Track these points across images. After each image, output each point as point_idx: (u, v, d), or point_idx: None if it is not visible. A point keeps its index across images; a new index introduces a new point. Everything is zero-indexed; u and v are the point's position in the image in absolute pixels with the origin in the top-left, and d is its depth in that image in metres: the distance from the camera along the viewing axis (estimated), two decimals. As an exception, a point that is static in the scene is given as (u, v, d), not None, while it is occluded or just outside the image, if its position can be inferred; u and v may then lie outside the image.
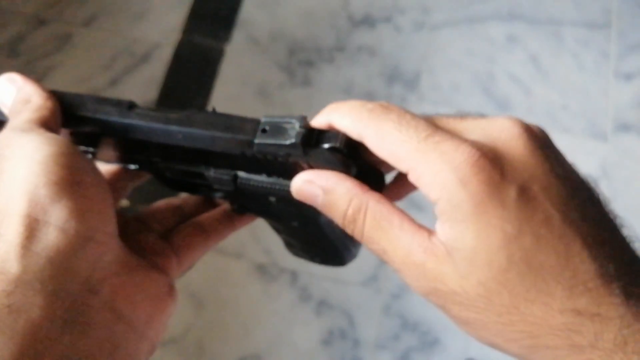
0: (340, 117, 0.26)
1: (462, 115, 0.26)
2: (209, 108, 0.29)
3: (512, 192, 0.22)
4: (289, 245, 0.39)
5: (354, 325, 1.04)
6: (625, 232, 0.23)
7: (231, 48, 1.24)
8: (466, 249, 0.22)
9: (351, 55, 1.24)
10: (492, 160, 0.22)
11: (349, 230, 0.26)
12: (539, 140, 0.24)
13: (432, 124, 0.24)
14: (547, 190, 0.22)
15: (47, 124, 0.27)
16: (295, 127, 0.26)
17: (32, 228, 0.23)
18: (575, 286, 0.21)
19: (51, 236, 0.23)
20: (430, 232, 0.24)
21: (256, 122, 0.27)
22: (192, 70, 1.21)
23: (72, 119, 0.30)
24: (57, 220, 0.24)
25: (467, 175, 0.22)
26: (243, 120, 0.28)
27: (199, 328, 1.03)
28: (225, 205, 0.36)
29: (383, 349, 1.03)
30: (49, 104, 0.28)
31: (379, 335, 1.03)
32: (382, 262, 1.07)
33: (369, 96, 1.20)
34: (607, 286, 0.21)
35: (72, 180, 0.25)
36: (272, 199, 0.30)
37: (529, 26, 1.27)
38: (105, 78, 1.19)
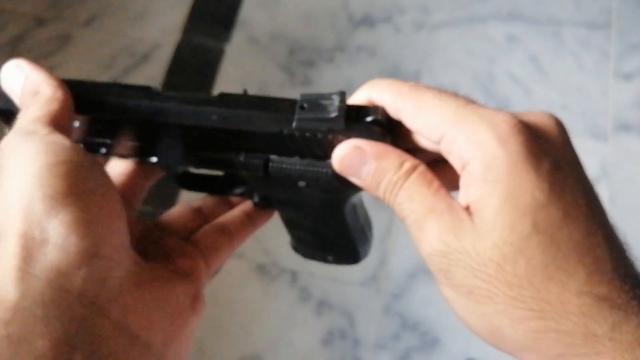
0: (380, 91, 0.26)
1: None
2: (242, 91, 0.29)
3: (546, 163, 0.22)
4: (301, 244, 0.37)
5: (354, 325, 1.04)
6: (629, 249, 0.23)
7: (231, 48, 1.24)
8: (490, 209, 0.21)
9: (351, 55, 1.24)
10: (531, 129, 0.22)
11: (389, 187, 0.25)
12: (568, 133, 0.24)
13: (470, 99, 0.25)
14: (578, 177, 0.22)
15: (57, 119, 0.25)
16: (335, 102, 0.26)
17: (29, 248, 0.21)
18: (596, 272, 0.20)
19: (50, 256, 0.21)
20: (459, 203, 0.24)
21: (292, 101, 0.27)
22: (192, 70, 1.21)
23: (92, 106, 0.28)
24: (55, 238, 0.21)
25: (506, 133, 0.22)
26: (278, 99, 0.27)
27: (198, 328, 1.03)
28: (243, 205, 0.35)
29: (383, 348, 1.03)
30: (59, 94, 0.26)
31: (379, 335, 1.03)
32: (382, 262, 1.06)
33: (369, 96, 1.20)
34: (623, 282, 0.20)
35: (70, 191, 0.22)
36: (302, 183, 0.29)
37: (529, 26, 1.27)
38: (105, 78, 1.18)
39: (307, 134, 0.26)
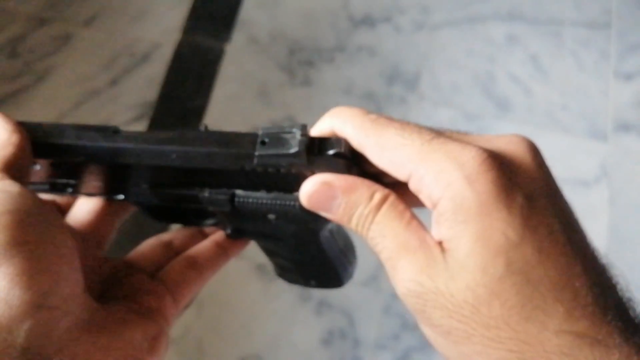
0: (342, 123, 0.25)
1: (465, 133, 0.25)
2: (201, 127, 0.28)
3: (519, 198, 0.21)
4: (284, 270, 0.37)
5: (354, 325, 1.04)
6: (612, 271, 0.22)
7: (231, 48, 1.24)
8: (461, 250, 0.21)
9: (351, 56, 1.24)
10: (500, 163, 0.21)
11: (354, 222, 0.25)
12: (541, 156, 0.23)
13: (436, 131, 0.24)
14: (553, 206, 0.21)
15: (11, 164, 0.25)
16: (296, 135, 0.25)
17: None
18: (575, 308, 0.20)
19: None
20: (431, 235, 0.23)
21: (254, 135, 0.26)
22: (192, 70, 1.22)
23: (52, 149, 0.28)
24: None
25: (474, 172, 0.21)
26: (239, 135, 0.27)
27: (198, 328, 1.03)
28: (216, 235, 0.34)
29: (383, 348, 1.03)
30: (14, 139, 0.25)
31: (379, 335, 1.03)
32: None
33: (369, 96, 1.20)
34: (604, 315, 0.20)
35: (14, 242, 0.21)
36: (272, 216, 0.29)
37: (529, 26, 1.27)
38: (105, 78, 1.19)
39: (270, 169, 0.26)
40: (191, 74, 1.21)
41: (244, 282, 1.06)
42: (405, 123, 0.24)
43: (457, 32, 1.26)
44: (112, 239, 0.32)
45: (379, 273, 1.06)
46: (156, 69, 1.20)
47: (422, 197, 0.23)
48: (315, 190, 0.25)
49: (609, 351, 0.19)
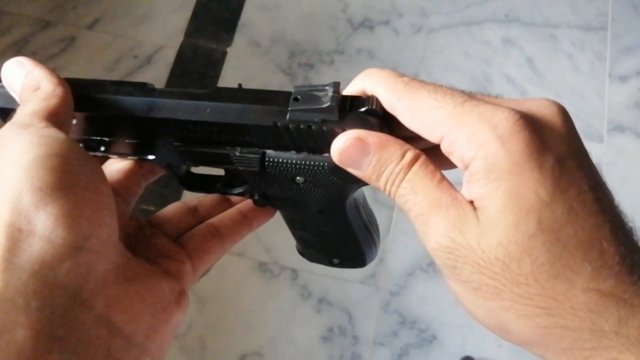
0: (374, 84, 0.25)
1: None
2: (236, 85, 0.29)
3: (550, 159, 0.21)
4: (306, 245, 0.36)
5: (354, 322, 1.05)
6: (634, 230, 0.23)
7: (233, 50, 1.26)
8: (493, 207, 0.21)
9: (350, 58, 1.26)
10: (532, 124, 0.21)
11: (390, 178, 0.25)
12: (572, 121, 0.23)
13: (468, 94, 0.24)
14: (583, 168, 0.22)
15: (55, 114, 0.25)
16: (329, 93, 0.26)
17: (15, 239, 0.21)
18: (602, 267, 0.20)
19: (36, 247, 0.21)
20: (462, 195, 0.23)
21: (287, 93, 0.27)
22: (194, 72, 1.23)
23: (91, 103, 0.28)
24: (42, 230, 0.21)
25: (507, 132, 0.21)
26: (273, 92, 0.27)
27: (201, 325, 1.04)
28: (241, 205, 0.34)
29: (382, 345, 1.04)
30: (59, 91, 0.26)
31: (377, 332, 1.05)
32: (381, 260, 1.07)
33: (368, 98, 1.21)
34: (630, 274, 0.20)
35: (60, 184, 0.22)
36: (300, 179, 0.29)
37: (525, 29, 1.29)
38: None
39: (302, 126, 0.26)
40: (194, 76, 1.23)
41: (245, 280, 1.08)
42: (438, 86, 0.24)
43: (455, 34, 1.28)
44: (136, 199, 0.32)
45: (378, 271, 1.08)
46: (159, 71, 1.22)
47: (454, 158, 0.23)
48: (347, 145, 0.25)
49: (634, 309, 0.20)
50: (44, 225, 0.21)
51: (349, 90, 0.27)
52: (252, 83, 1.23)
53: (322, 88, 0.26)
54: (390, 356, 1.03)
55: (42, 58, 1.22)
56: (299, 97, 0.26)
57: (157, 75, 1.21)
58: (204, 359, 1.03)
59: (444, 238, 0.22)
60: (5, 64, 0.28)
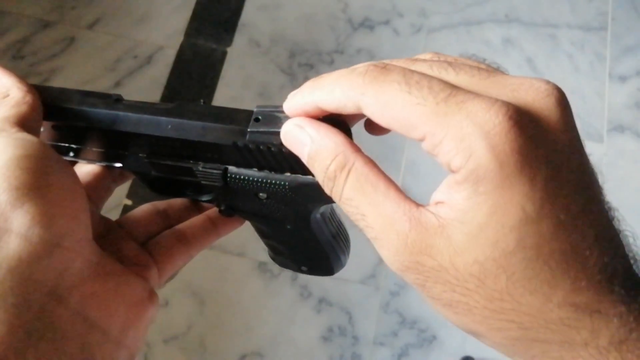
0: (326, 93, 0.23)
1: (479, 65, 0.22)
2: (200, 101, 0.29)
3: (543, 169, 0.19)
4: (276, 253, 0.37)
5: (353, 322, 1.05)
6: (620, 227, 0.22)
7: (233, 50, 1.26)
8: (476, 223, 0.20)
9: (350, 57, 1.26)
10: (527, 127, 0.19)
11: (327, 189, 0.23)
12: (570, 110, 0.21)
13: (448, 83, 0.21)
14: (576, 172, 0.20)
15: (25, 121, 0.26)
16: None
17: None
18: (582, 280, 0.19)
19: (12, 245, 0.22)
20: (418, 205, 0.21)
21: (248, 112, 0.27)
22: (194, 72, 1.23)
23: (56, 112, 0.29)
24: (18, 228, 0.22)
25: (500, 143, 0.19)
26: (234, 110, 0.28)
27: (201, 325, 1.04)
28: (209, 211, 0.35)
29: (382, 345, 1.04)
30: (28, 98, 0.27)
31: (377, 332, 1.05)
32: (381, 260, 1.07)
33: (368, 98, 1.21)
34: (610, 283, 0.20)
35: (36, 184, 0.23)
36: (263, 195, 0.29)
37: (525, 29, 1.29)
38: (109, 80, 1.20)
39: (261, 147, 0.26)
40: (194, 76, 1.23)
41: (245, 280, 1.08)
42: (406, 71, 0.21)
43: (454, 34, 1.28)
44: (104, 202, 0.33)
45: (377, 271, 1.08)
46: (159, 71, 1.22)
47: (439, 160, 0.21)
48: (290, 130, 0.24)
49: (608, 320, 0.19)
50: (21, 224, 0.22)
51: (299, 108, 0.24)
52: (252, 83, 1.23)
53: (282, 110, 0.26)
54: (390, 356, 1.03)
55: (42, 58, 1.22)
56: (259, 117, 0.26)
57: (157, 75, 1.22)
58: (204, 359, 1.03)
59: (409, 262, 0.21)
60: None
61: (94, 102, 0.29)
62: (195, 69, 1.23)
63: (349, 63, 1.25)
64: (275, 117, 0.26)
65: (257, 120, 0.26)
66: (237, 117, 0.27)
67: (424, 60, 0.23)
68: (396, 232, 0.21)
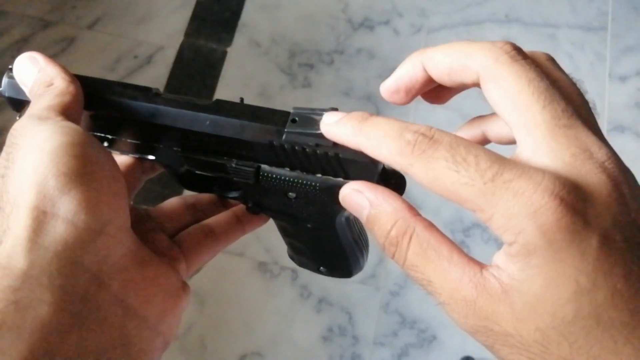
0: (372, 147, 0.23)
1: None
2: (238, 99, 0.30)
3: (593, 242, 0.20)
4: (296, 252, 0.37)
5: (353, 322, 1.05)
6: None
7: (233, 50, 1.26)
8: (532, 294, 0.20)
9: (350, 58, 1.26)
10: (575, 204, 0.20)
11: (389, 254, 0.23)
12: (624, 184, 0.21)
13: (495, 156, 0.21)
14: (630, 240, 0.20)
15: (68, 110, 0.26)
16: None
17: (39, 221, 0.22)
18: None
19: (59, 229, 0.22)
20: (482, 266, 0.22)
21: (286, 113, 0.28)
22: (194, 72, 1.23)
23: (96, 102, 0.29)
24: (65, 213, 0.23)
25: (547, 222, 0.20)
26: (272, 111, 0.28)
27: (201, 325, 1.04)
28: (236, 208, 0.35)
29: (382, 345, 1.04)
30: (71, 88, 0.27)
31: (377, 332, 1.05)
32: (381, 260, 1.08)
33: (368, 98, 1.21)
34: None
35: (83, 171, 0.24)
36: (292, 194, 0.30)
37: (525, 29, 1.29)
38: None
39: (296, 147, 0.27)
40: (194, 76, 1.23)
41: (245, 280, 1.08)
42: (453, 145, 0.22)
43: (455, 34, 1.28)
44: (135, 194, 0.33)
45: (378, 271, 1.08)
46: (159, 71, 1.22)
47: (492, 230, 0.21)
48: (346, 194, 0.25)
49: None
50: (68, 209, 0.23)
51: (340, 140, 0.25)
52: (252, 83, 1.23)
53: (320, 112, 0.26)
54: (390, 356, 1.04)
55: (42, 58, 1.22)
56: (296, 118, 0.27)
57: (157, 75, 1.22)
58: (204, 359, 1.03)
59: (478, 327, 0.22)
60: (19, 57, 0.29)
61: (134, 95, 0.29)
62: (195, 69, 1.23)
63: (349, 63, 1.25)
64: (312, 120, 0.27)
65: (294, 121, 0.27)
66: (274, 117, 0.28)
67: None
68: (464, 298, 0.21)
